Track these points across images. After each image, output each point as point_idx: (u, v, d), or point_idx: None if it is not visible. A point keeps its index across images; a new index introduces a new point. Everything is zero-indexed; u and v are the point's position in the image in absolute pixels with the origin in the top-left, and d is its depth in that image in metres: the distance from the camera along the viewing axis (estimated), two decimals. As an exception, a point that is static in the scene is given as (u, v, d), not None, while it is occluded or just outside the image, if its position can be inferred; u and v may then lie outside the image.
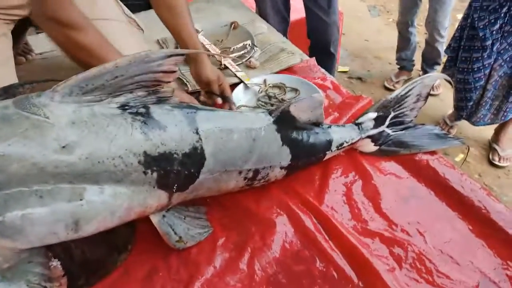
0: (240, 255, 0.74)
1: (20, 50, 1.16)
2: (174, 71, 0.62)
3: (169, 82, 0.62)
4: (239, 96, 1.10)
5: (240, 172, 0.75)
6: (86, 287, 0.66)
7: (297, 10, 1.88)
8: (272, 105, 1.09)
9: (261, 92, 1.12)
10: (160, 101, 0.65)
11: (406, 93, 0.95)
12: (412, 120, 0.98)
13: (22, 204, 0.51)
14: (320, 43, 1.73)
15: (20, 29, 1.11)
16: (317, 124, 0.85)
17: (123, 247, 0.71)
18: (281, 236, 0.77)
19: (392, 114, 0.94)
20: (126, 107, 0.61)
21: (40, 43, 1.27)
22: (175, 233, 0.71)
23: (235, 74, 1.16)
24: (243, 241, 0.76)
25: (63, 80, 0.59)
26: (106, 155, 0.57)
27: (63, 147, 0.54)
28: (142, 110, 0.62)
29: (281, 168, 0.81)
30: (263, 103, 1.10)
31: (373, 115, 0.93)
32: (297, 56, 1.26)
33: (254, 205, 0.82)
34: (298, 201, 0.83)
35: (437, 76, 1.05)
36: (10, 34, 0.97)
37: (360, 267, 0.72)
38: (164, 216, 0.70)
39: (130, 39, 1.04)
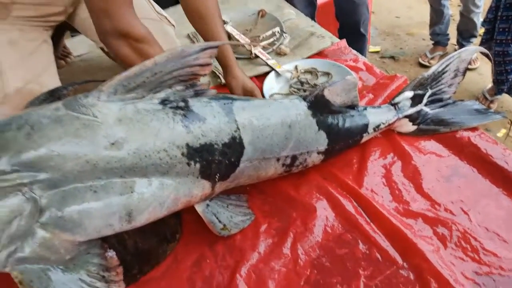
0: (283, 240, 0.75)
1: (60, 53, 1.21)
2: (209, 64, 0.64)
3: (205, 74, 0.64)
4: (271, 84, 1.11)
5: (278, 159, 0.76)
6: (140, 275, 0.69)
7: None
8: (305, 90, 1.08)
9: (293, 78, 1.12)
10: (198, 94, 0.67)
11: (443, 69, 0.93)
12: (450, 96, 0.96)
13: (79, 199, 0.55)
14: (349, 24, 1.70)
15: (58, 34, 1.16)
16: (352, 106, 0.85)
17: (172, 237, 0.75)
18: (322, 220, 0.78)
19: (430, 91, 0.92)
20: (167, 102, 0.63)
21: (76, 46, 1.32)
22: (220, 221, 0.74)
23: (266, 63, 1.16)
24: (284, 227, 0.78)
25: (102, 80, 0.62)
26: (152, 149, 0.60)
27: (112, 143, 0.57)
28: (181, 104, 0.64)
29: (318, 153, 0.81)
30: (295, 90, 1.10)
31: (410, 94, 0.91)
32: (327, 39, 1.25)
33: (293, 191, 0.84)
34: (337, 185, 0.83)
35: (474, 49, 1.01)
36: (50, 40, 1.02)
37: (404, 248, 0.72)
38: (208, 205, 0.72)
39: (164, 37, 1.06)
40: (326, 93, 0.80)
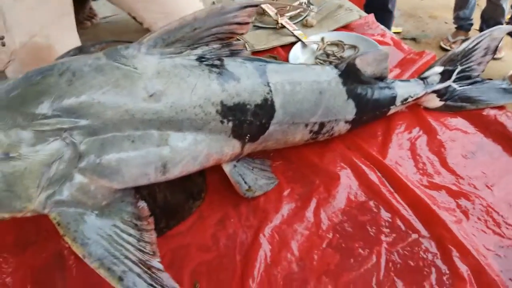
0: (306, 205, 0.76)
1: (86, 15, 1.21)
2: (248, 23, 0.64)
3: (243, 33, 0.64)
4: (297, 54, 1.10)
5: (306, 125, 0.76)
6: (166, 229, 0.71)
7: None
8: (330, 63, 1.08)
9: (319, 50, 1.11)
10: (233, 54, 0.67)
11: (473, 46, 0.92)
12: (479, 74, 0.95)
13: (117, 147, 0.56)
14: (377, 4, 1.67)
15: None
16: (382, 78, 0.85)
17: (198, 195, 0.76)
18: (345, 188, 0.79)
19: (459, 68, 0.92)
20: (203, 59, 0.63)
21: (103, 9, 1.32)
22: (245, 183, 0.75)
23: (293, 33, 1.16)
24: (308, 192, 0.79)
25: (129, 41, 0.62)
26: (188, 104, 0.60)
27: (151, 95, 0.58)
28: (217, 62, 0.65)
29: (346, 122, 0.81)
30: (321, 62, 1.09)
31: (439, 69, 0.91)
32: (355, 13, 1.24)
33: (317, 159, 0.84)
34: (361, 155, 0.84)
35: (506, 28, 0.99)
36: None
37: (427, 218, 0.73)
38: (235, 166, 0.73)
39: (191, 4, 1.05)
40: (358, 62, 0.79)
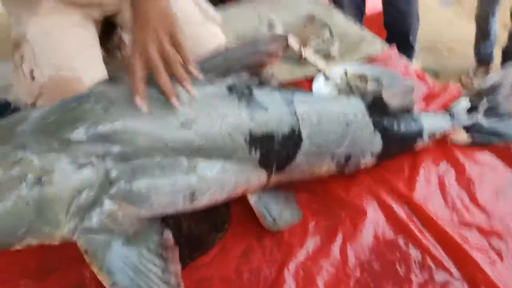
0: (332, 239, 0.74)
1: (115, 44, 1.24)
2: (278, 54, 0.65)
3: (272, 64, 0.65)
4: (320, 86, 1.10)
5: (332, 156, 0.75)
6: (189, 260, 0.70)
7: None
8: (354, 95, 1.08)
9: (342, 82, 1.12)
10: (262, 83, 0.68)
11: (500, 81, 0.91)
12: (506, 109, 0.93)
13: (148, 174, 0.56)
14: (398, 33, 1.68)
15: (110, 26, 1.19)
16: (408, 111, 0.84)
17: (221, 226, 0.75)
18: (372, 222, 0.77)
19: (486, 103, 0.90)
20: (233, 88, 0.64)
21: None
22: (270, 215, 0.73)
23: (315, 65, 1.16)
24: (333, 226, 0.77)
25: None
26: (217, 133, 0.60)
27: (182, 123, 0.58)
28: (246, 91, 0.65)
29: (372, 155, 0.80)
30: (345, 94, 1.09)
31: (466, 103, 0.90)
32: (378, 45, 1.25)
33: (343, 192, 0.83)
34: (389, 189, 0.82)
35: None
36: (91, 27, 1.01)
37: (458, 257, 0.70)
38: (260, 197, 0.72)
39: (213, 39, 1.07)
40: (384, 94, 0.79)
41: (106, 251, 0.53)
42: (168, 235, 0.60)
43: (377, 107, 0.79)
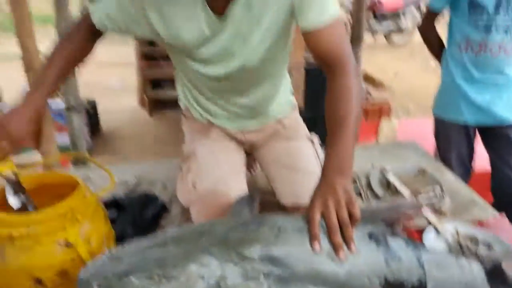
0: None
1: (249, 165, 1.48)
2: (413, 217, 0.78)
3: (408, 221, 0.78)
4: (431, 240, 1.18)
5: (450, 315, 0.81)
6: None
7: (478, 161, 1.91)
8: (463, 255, 1.13)
9: (454, 240, 1.18)
10: (394, 233, 0.80)
11: None
12: None
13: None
14: (507, 201, 1.70)
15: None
16: (527, 287, 0.88)
17: None
18: None
19: None
20: (372, 235, 0.77)
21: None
22: None
23: (427, 218, 1.25)
24: None
25: None
26: (360, 272, 0.72)
27: (333, 259, 0.71)
28: (381, 238, 0.78)
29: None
30: (455, 253, 1.14)
31: None
32: (488, 211, 1.31)
33: None
34: None
35: None
36: (242, 152, 1.30)
37: None
38: None
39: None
40: (504, 265, 0.86)
41: None
42: None
43: (497, 276, 0.85)
